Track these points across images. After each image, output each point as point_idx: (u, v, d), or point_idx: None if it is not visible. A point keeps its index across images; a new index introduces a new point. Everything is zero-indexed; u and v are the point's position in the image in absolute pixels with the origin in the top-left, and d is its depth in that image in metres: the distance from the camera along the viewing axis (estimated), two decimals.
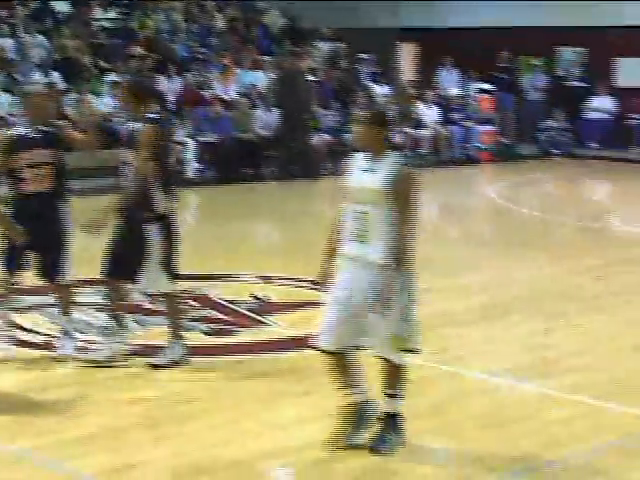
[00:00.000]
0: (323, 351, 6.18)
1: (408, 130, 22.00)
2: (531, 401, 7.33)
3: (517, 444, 6.44)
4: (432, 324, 9.30)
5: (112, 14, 23.69)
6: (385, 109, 6.30)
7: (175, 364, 7.89)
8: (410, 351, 6.19)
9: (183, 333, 8.12)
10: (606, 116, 23.65)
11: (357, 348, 6.22)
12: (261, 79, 21.50)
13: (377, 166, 6.10)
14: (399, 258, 6.06)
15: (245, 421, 6.74)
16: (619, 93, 23.66)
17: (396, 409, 6.30)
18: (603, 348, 8.67)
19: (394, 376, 6.25)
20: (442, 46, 24.73)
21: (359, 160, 6.22)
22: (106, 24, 23.10)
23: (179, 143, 18.77)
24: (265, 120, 20.24)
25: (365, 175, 6.11)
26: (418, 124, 22.34)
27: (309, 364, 7.68)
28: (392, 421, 6.28)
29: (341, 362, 6.19)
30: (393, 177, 6.05)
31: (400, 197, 6.07)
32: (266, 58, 22.59)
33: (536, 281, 11.27)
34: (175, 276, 7.95)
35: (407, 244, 6.15)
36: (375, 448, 6.20)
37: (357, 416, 6.26)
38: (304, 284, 10.45)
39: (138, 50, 21.06)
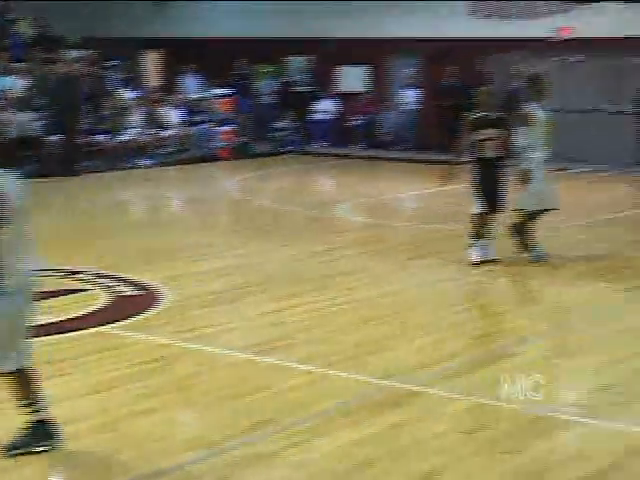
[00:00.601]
0: None
1: (154, 131, 21.88)
2: (268, 372, 7.46)
3: (256, 411, 6.55)
4: (181, 306, 9.36)
5: None
6: None
7: None
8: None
9: None
10: (330, 117, 24.25)
11: None
12: (14, 84, 20.82)
13: None
14: None
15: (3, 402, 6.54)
16: (341, 97, 24.29)
17: (38, 416, 5.80)
18: (331, 323, 8.90)
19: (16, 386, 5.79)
20: (186, 54, 24.66)
21: None
22: None
23: None
24: (19, 122, 19.62)
25: None
26: (164, 125, 22.22)
27: (61, 348, 7.82)
28: (36, 429, 5.78)
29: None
30: None
31: None
32: (18, 65, 21.86)
33: (273, 265, 11.45)
34: None
35: None
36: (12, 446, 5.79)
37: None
38: (60, 273, 10.38)
39: None
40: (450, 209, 15.22)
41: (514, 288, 10.48)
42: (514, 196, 11.19)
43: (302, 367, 7.51)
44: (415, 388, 7.03)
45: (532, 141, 10.95)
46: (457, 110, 21.10)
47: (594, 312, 9.45)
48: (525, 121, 11.02)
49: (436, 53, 22.31)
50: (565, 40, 20.74)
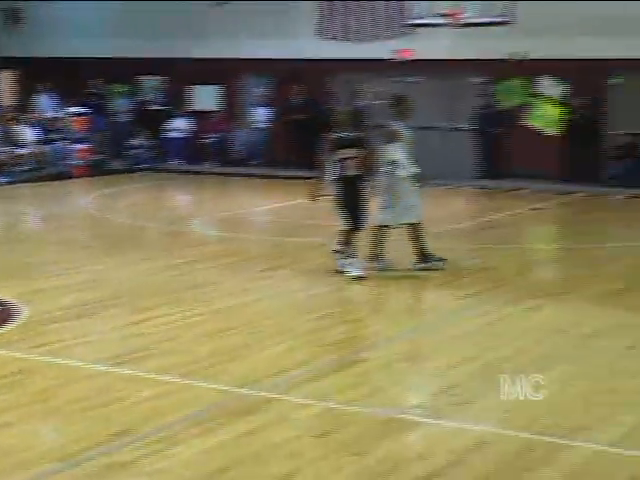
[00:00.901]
0: None
1: (10, 149, 21.33)
2: (125, 384, 7.37)
3: (113, 421, 6.48)
4: (37, 321, 9.15)
5: None
6: None
7: None
8: None
9: None
10: (184, 135, 24.13)
11: None
12: None
13: None
14: None
15: None
16: (194, 115, 24.21)
17: None
18: (187, 334, 8.84)
19: None
20: (41, 73, 24.13)
21: None
22: None
23: None
24: None
25: None
26: (19, 143, 21.69)
27: None
28: None
29: None
30: None
31: None
32: None
33: (130, 279, 11.30)
34: None
35: None
36: None
37: None
38: None
39: None
40: (302, 222, 15.35)
41: (365, 297, 10.64)
42: (380, 212, 11.38)
43: (158, 377, 7.45)
44: (269, 395, 7.06)
45: (401, 157, 11.17)
46: (305, 127, 21.42)
47: (438, 318, 9.71)
48: (393, 138, 11.24)
49: (286, 73, 22.48)
50: (406, 61, 21.19)
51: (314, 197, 11.29)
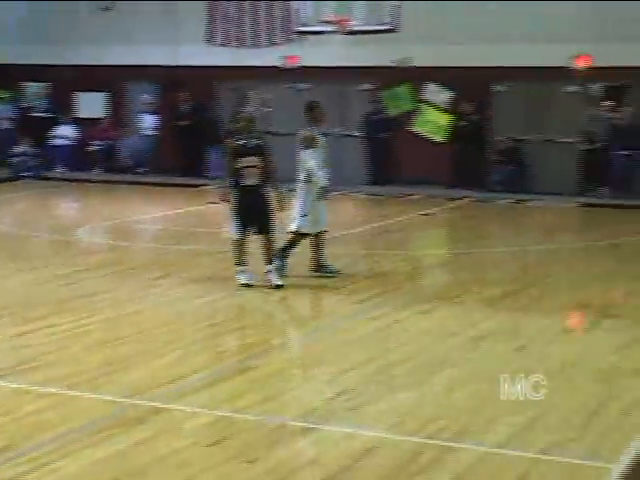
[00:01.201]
0: None
1: None
2: (8, 398, 7.16)
3: None
4: None
5: None
6: None
7: None
8: None
9: None
10: (69, 142, 23.69)
11: None
12: None
13: None
14: None
15: None
16: (80, 122, 23.79)
17: None
18: (75, 345, 8.66)
19: None
20: None
21: None
22: None
23: None
24: None
25: None
26: None
27: None
28: None
29: None
30: None
31: None
32: None
33: (15, 289, 11.02)
34: None
35: None
36: None
37: None
38: None
39: None
40: (190, 230, 15.22)
41: (256, 304, 10.57)
42: (288, 219, 11.31)
43: (44, 390, 7.26)
44: (159, 405, 6.95)
45: (313, 165, 11.12)
46: (192, 134, 21.25)
47: (332, 323, 9.73)
48: (311, 144, 11.19)
49: (172, 79, 22.27)
50: (295, 68, 21.22)
51: (227, 200, 11.07)
